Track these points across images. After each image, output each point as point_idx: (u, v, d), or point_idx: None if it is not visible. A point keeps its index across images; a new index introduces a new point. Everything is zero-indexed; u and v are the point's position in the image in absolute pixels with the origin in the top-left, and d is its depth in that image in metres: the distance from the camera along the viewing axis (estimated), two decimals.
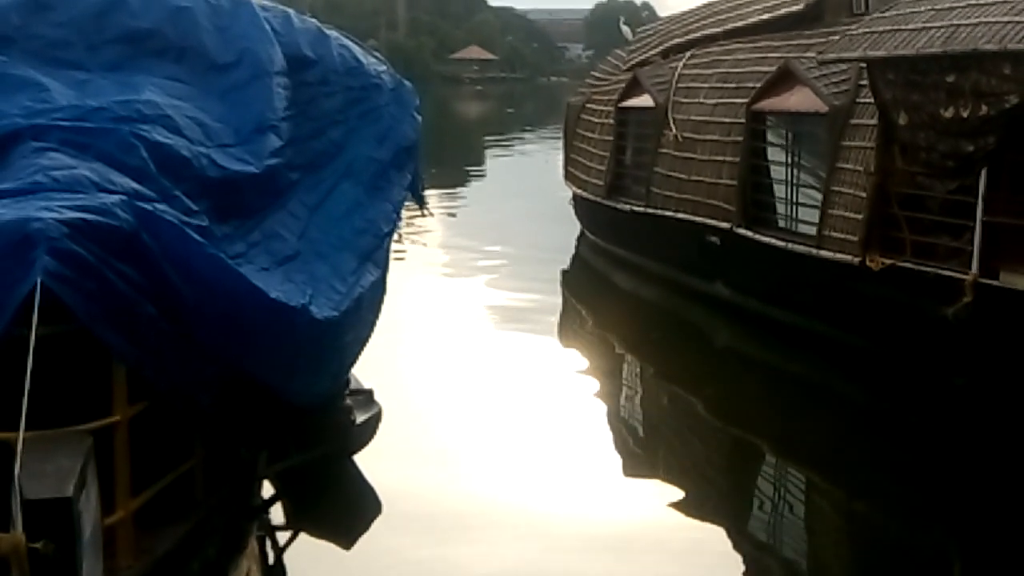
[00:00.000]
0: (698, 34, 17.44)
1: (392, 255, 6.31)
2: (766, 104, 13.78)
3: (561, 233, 20.57)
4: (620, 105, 17.81)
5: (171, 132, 5.14)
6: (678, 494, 8.90)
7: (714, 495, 9.04)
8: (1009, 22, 9.61)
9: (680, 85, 16.07)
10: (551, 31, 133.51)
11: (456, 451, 9.40)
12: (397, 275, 6.71)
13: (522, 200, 25.94)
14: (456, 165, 35.56)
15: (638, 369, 13.14)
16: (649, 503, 8.75)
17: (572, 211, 20.56)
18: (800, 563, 8.27)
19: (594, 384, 11.93)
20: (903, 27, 10.87)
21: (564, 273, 18.51)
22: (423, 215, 7.58)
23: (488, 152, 44.10)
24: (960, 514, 8.62)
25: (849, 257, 11.54)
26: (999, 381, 9.87)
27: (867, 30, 11.51)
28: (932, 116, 10.35)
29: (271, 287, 4.89)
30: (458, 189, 29.38)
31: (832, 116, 12.20)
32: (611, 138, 18.03)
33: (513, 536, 7.96)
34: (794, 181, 13.28)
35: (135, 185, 4.73)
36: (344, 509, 6.57)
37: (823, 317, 12.14)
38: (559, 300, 16.55)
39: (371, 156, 6.28)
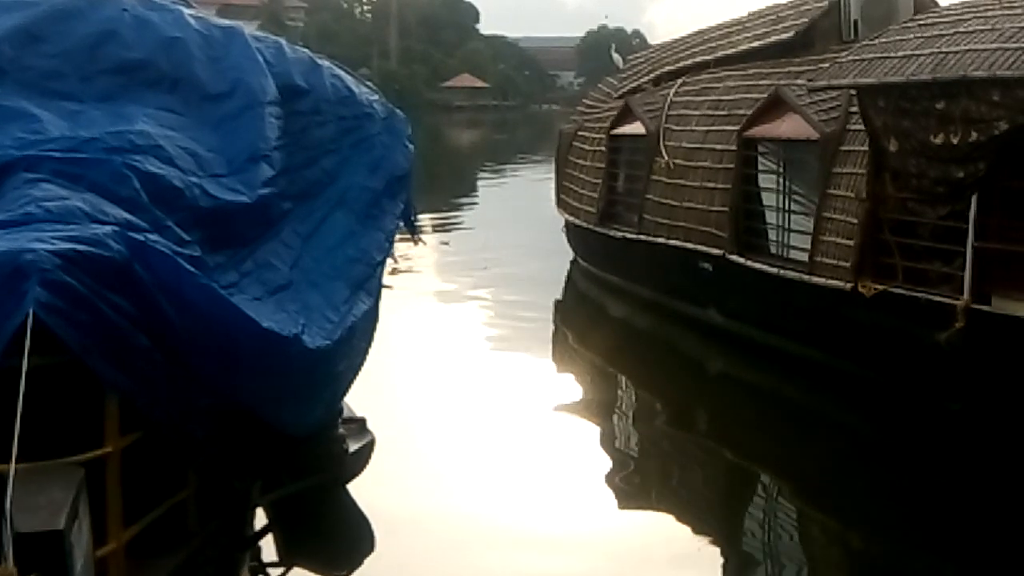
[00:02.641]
0: (689, 62, 17.53)
1: (384, 284, 6.32)
2: (757, 131, 13.84)
3: (553, 260, 20.59)
4: (612, 132, 17.86)
5: (164, 162, 5.14)
6: (671, 519, 8.90)
7: (707, 521, 9.02)
8: (997, 49, 9.67)
9: (671, 112, 16.14)
10: (542, 59, 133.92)
11: (449, 479, 9.39)
12: (390, 304, 6.70)
13: (514, 227, 25.98)
14: (448, 193, 35.61)
15: (631, 396, 13.14)
16: (642, 528, 8.75)
17: (564, 238, 20.59)
18: None
19: (587, 410, 11.92)
20: (892, 54, 10.94)
21: (557, 300, 18.52)
22: (415, 244, 7.57)
23: (480, 180, 44.18)
24: (955, 540, 8.61)
25: (841, 283, 11.56)
26: (993, 406, 9.88)
27: (856, 57, 11.57)
28: (922, 142, 10.39)
29: (263, 317, 4.88)
30: (450, 217, 29.42)
31: (823, 143, 12.25)
32: (603, 165, 18.07)
33: (507, 563, 7.95)
34: (785, 207, 13.32)
35: (128, 216, 4.72)
36: (337, 538, 6.54)
37: (816, 343, 12.15)
38: (552, 327, 16.56)
39: (364, 185, 6.27)
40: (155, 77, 5.74)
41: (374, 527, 6.64)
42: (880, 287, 11.11)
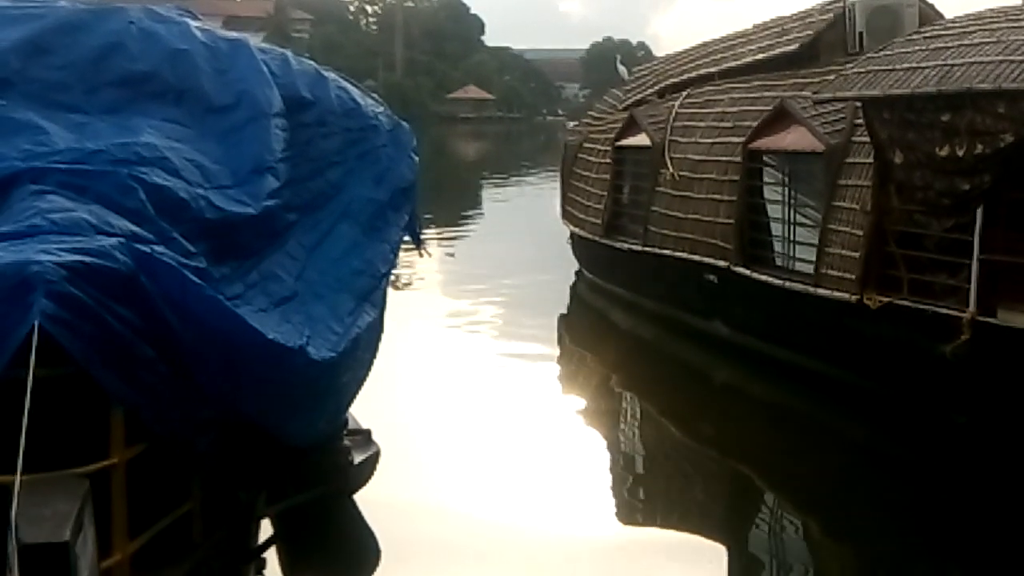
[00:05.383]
0: (694, 74, 17.55)
1: (389, 295, 6.32)
2: (762, 143, 13.84)
3: (558, 272, 20.59)
4: (617, 144, 17.87)
5: (169, 174, 5.15)
6: (677, 532, 8.88)
7: (712, 532, 9.00)
8: (1003, 61, 9.67)
9: (676, 124, 16.14)
10: (548, 71, 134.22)
11: (455, 490, 9.38)
12: (394, 315, 6.70)
13: (519, 239, 26.00)
14: (453, 204, 35.64)
15: (637, 407, 13.12)
16: (648, 541, 8.73)
17: (569, 250, 20.59)
18: None
19: (593, 422, 11.91)
20: (898, 67, 10.94)
21: (561, 312, 18.51)
22: (420, 255, 7.58)
23: (485, 191, 44.20)
24: (961, 552, 8.59)
25: (847, 295, 11.55)
26: (999, 419, 9.86)
27: (862, 69, 11.57)
28: (928, 155, 10.39)
29: (268, 328, 4.88)
30: (455, 228, 29.43)
31: (828, 155, 12.24)
32: (608, 177, 18.08)
33: (513, 574, 7.93)
34: (791, 219, 13.31)
35: (133, 227, 4.73)
36: (342, 549, 6.53)
37: (821, 355, 12.14)
38: (557, 338, 16.54)
39: (369, 197, 6.28)
40: (161, 89, 5.75)
41: (379, 538, 6.64)
42: (885, 299, 11.10)
